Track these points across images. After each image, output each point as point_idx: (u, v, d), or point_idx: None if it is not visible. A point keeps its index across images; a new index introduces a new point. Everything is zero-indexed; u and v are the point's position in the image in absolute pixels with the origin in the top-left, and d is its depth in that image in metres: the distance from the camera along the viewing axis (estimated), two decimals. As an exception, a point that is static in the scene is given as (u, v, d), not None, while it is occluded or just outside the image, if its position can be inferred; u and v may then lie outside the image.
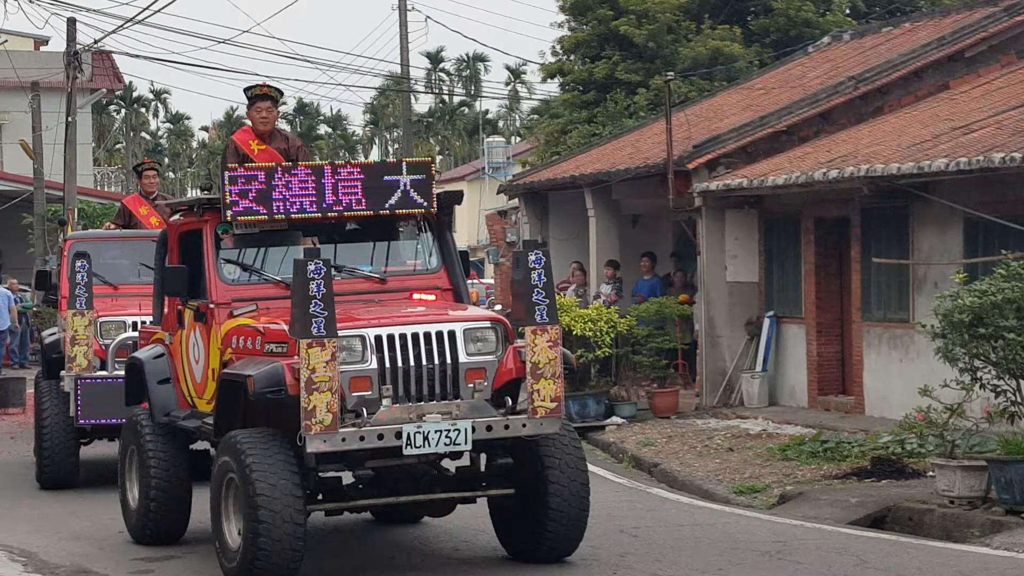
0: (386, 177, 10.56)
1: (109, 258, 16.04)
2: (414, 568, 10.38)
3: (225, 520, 9.79)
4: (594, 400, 19.67)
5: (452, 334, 9.73)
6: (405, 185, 10.53)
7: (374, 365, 9.57)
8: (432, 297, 10.74)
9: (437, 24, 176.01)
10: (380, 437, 9.33)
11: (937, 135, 17.17)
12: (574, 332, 19.27)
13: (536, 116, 53.66)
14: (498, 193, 30.99)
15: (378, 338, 9.60)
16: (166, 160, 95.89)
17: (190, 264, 10.88)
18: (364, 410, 9.43)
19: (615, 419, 19.52)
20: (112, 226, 17.40)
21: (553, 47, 39.02)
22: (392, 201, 10.55)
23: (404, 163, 10.77)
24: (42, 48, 47.45)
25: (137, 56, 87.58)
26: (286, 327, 9.54)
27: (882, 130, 19.23)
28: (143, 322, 13.58)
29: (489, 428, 9.59)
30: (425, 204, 10.60)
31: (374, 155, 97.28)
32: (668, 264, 23.35)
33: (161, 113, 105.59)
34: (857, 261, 18.28)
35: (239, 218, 10.39)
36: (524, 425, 9.66)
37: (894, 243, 17.65)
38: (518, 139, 76.29)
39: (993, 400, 12.25)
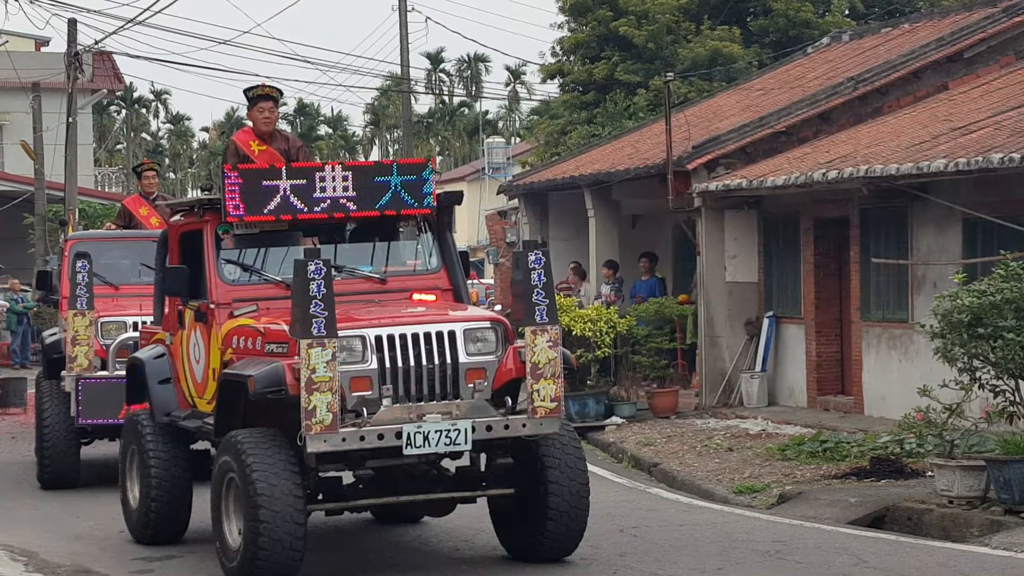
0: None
1: (110, 258, 16.05)
2: (414, 568, 10.40)
3: (225, 520, 9.82)
4: (594, 400, 19.69)
5: (452, 334, 9.75)
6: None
7: (374, 365, 9.59)
8: (432, 297, 10.76)
9: (437, 25, 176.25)
10: (380, 437, 9.35)
11: (936, 135, 17.19)
12: (574, 332, 19.31)
13: (536, 117, 53.75)
14: (498, 193, 31.02)
15: (378, 338, 9.62)
16: (167, 161, 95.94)
17: (191, 264, 10.89)
18: (364, 410, 9.44)
19: (615, 419, 19.55)
20: (113, 226, 17.43)
21: (553, 48, 39.13)
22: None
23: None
24: (43, 49, 47.49)
25: (138, 57, 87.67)
26: (286, 327, 9.57)
27: (881, 131, 19.25)
28: (144, 322, 13.59)
29: (489, 428, 9.61)
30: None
31: (374, 155, 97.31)
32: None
33: (162, 114, 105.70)
34: (856, 261, 18.30)
35: (237, 218, 10.42)
36: (524, 425, 9.68)
37: (893, 243, 17.68)
38: (518, 140, 76.36)
39: (992, 400, 12.28)
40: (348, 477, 10.01)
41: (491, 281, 37.05)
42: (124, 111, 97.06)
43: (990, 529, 11.27)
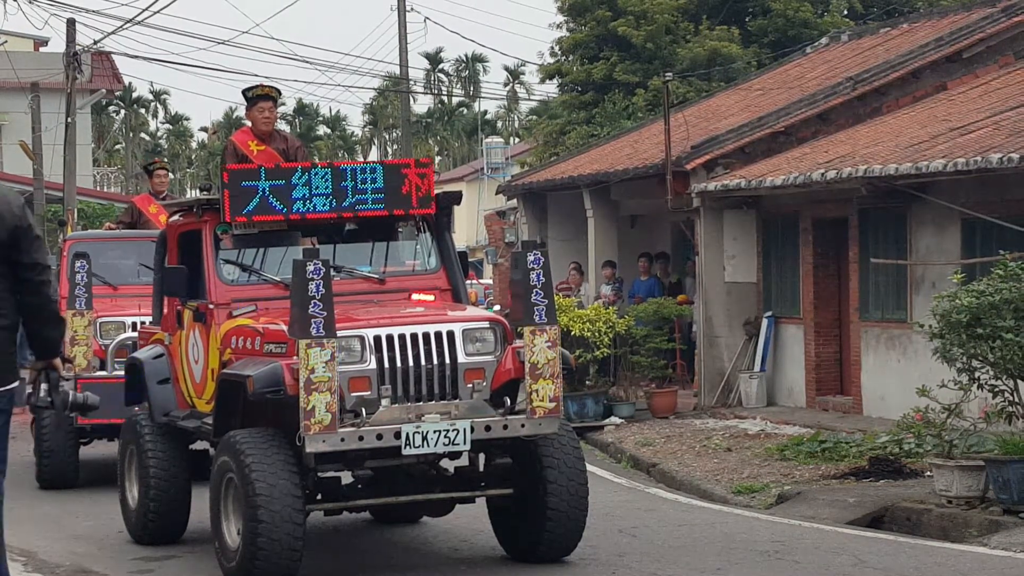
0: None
1: (109, 258, 16.05)
2: (413, 568, 10.40)
3: (224, 520, 9.81)
4: (593, 400, 19.69)
5: (451, 334, 9.75)
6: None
7: (373, 365, 9.58)
8: (431, 297, 10.76)
9: (436, 25, 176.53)
10: (379, 437, 9.35)
11: (935, 136, 17.20)
12: (573, 332, 19.30)
13: (535, 117, 53.78)
14: (497, 194, 31.02)
15: (377, 338, 9.61)
16: (165, 160, 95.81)
17: (189, 264, 10.89)
18: (363, 410, 9.44)
19: (613, 419, 19.54)
20: (112, 226, 17.43)
21: (552, 48, 39.18)
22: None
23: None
24: (42, 49, 47.41)
25: (136, 57, 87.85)
26: (285, 327, 9.56)
27: (880, 131, 19.25)
28: (143, 322, 13.60)
29: (488, 428, 9.60)
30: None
31: (373, 156, 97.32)
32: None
33: (160, 114, 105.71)
34: (855, 261, 18.31)
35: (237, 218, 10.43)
36: (523, 425, 9.68)
37: (892, 243, 17.68)
38: (517, 140, 76.39)
39: (990, 400, 12.28)
40: (347, 477, 10.01)
41: (490, 281, 37.05)
42: (123, 111, 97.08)
43: (989, 529, 11.27)
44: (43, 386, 7.41)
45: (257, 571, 9.34)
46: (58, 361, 7.42)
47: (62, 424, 14.70)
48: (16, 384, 7.28)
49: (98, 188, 48.51)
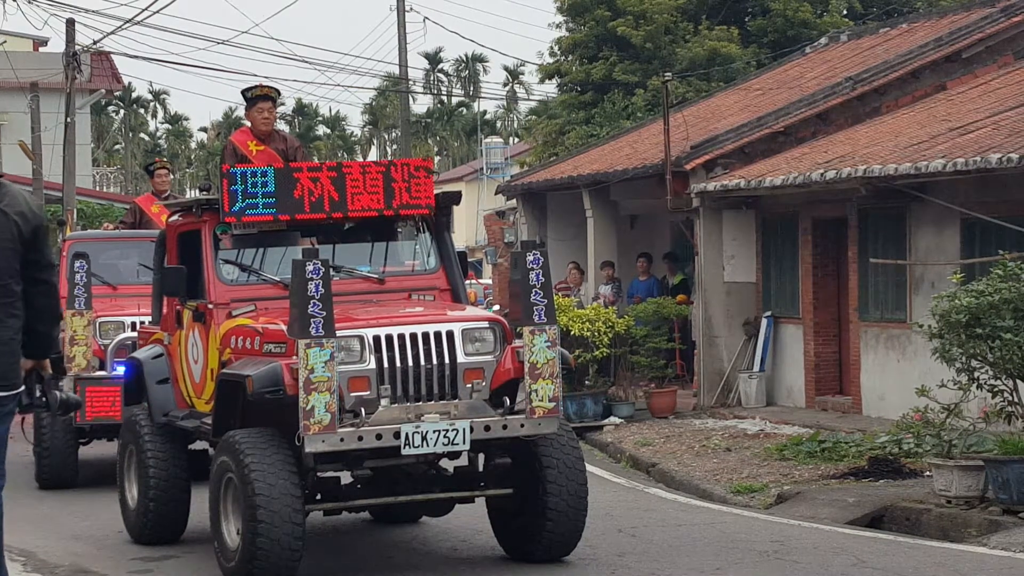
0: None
1: (108, 258, 16.07)
2: (412, 567, 10.40)
3: (224, 520, 9.81)
4: (592, 400, 19.69)
5: (450, 334, 9.75)
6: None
7: (372, 365, 9.58)
8: (430, 298, 10.76)
9: (435, 25, 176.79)
10: (378, 437, 9.35)
11: (934, 136, 17.20)
12: (572, 332, 19.30)
13: (534, 117, 53.74)
14: (496, 194, 31.03)
15: (376, 338, 9.61)
16: (165, 159, 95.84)
17: (189, 264, 10.90)
18: (362, 410, 9.44)
19: (613, 419, 19.54)
20: (111, 226, 17.44)
21: (551, 48, 39.18)
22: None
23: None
24: (41, 49, 47.41)
25: (136, 57, 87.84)
26: (284, 327, 9.56)
27: (879, 131, 19.25)
28: (142, 322, 13.60)
29: (487, 428, 9.60)
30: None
31: (372, 155, 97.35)
32: (663, 266, 23.40)
33: (160, 114, 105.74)
34: (854, 261, 18.31)
35: (236, 218, 10.43)
36: (522, 425, 9.68)
37: (891, 243, 17.68)
38: (516, 140, 76.36)
39: (990, 400, 12.28)
40: (346, 477, 10.01)
41: (489, 281, 37.06)
42: (122, 111, 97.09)
43: (988, 529, 11.27)
44: (37, 387, 7.39)
45: (257, 571, 9.34)
46: (47, 361, 7.41)
47: (61, 424, 14.71)
48: (23, 388, 7.27)
49: (97, 188, 48.52)
